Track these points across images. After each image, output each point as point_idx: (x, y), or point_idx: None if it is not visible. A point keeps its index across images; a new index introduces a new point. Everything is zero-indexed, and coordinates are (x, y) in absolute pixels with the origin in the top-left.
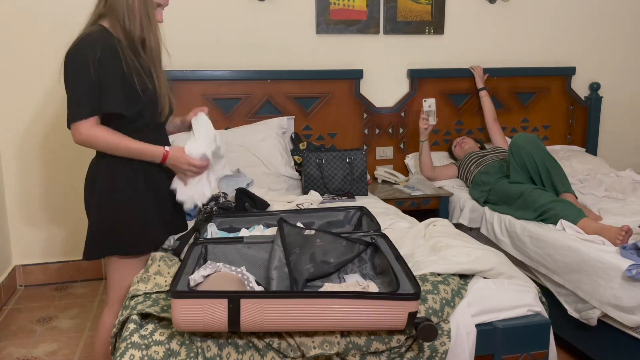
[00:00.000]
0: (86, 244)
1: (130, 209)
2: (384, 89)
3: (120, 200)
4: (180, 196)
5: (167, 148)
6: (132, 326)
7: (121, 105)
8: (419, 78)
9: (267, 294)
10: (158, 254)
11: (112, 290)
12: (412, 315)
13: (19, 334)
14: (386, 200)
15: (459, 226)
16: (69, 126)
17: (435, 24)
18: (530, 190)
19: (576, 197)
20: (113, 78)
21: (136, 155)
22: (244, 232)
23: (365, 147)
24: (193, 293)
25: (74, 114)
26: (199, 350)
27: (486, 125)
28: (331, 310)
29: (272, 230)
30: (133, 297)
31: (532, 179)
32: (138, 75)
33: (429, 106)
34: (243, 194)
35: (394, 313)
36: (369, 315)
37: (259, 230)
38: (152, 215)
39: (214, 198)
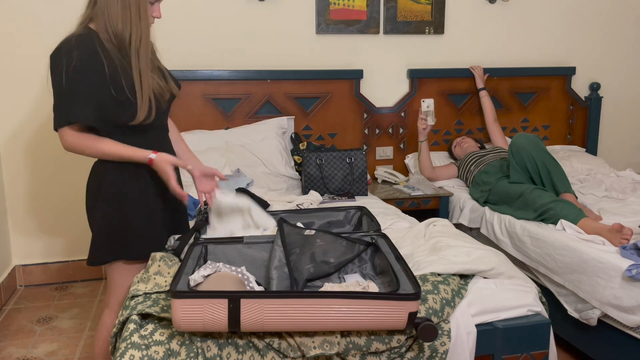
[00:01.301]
0: (91, 250)
1: (139, 213)
2: (384, 89)
3: (129, 206)
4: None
5: (151, 156)
6: (132, 326)
7: (89, 116)
8: (419, 78)
9: (267, 293)
10: (158, 254)
11: (114, 293)
12: (412, 315)
13: (19, 334)
14: (386, 200)
15: (459, 226)
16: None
17: (435, 24)
18: (530, 190)
19: (576, 197)
20: (86, 87)
21: (124, 160)
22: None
23: (365, 147)
24: (193, 293)
25: (56, 121)
26: (199, 351)
27: (486, 126)
28: (331, 310)
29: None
30: (133, 297)
31: (532, 179)
32: (126, 79)
33: (427, 106)
34: (243, 194)
35: (394, 313)
36: (369, 315)
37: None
38: (159, 218)
39: None
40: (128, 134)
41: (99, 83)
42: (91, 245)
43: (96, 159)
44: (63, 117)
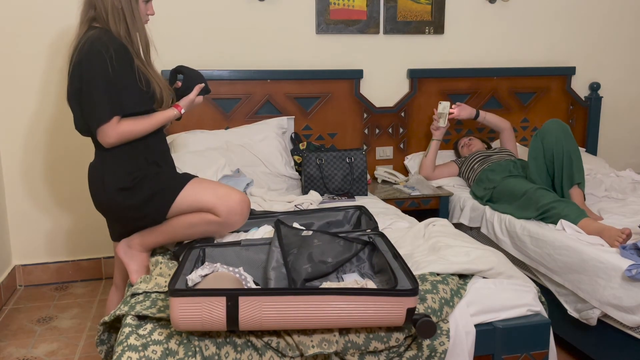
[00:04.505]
0: (111, 228)
1: (146, 184)
2: (384, 89)
3: (134, 183)
4: None
5: (182, 111)
6: (127, 330)
7: (138, 104)
8: (419, 78)
9: (265, 291)
10: (160, 258)
11: (120, 270)
12: (410, 312)
13: (19, 334)
14: (386, 200)
15: (459, 226)
16: (94, 130)
17: (435, 24)
18: (534, 189)
19: (584, 196)
20: (128, 77)
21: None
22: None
23: (365, 147)
24: (191, 291)
25: (98, 119)
26: (197, 350)
27: (501, 132)
28: (329, 307)
29: (269, 232)
30: (133, 294)
31: (547, 167)
32: (144, 73)
33: (443, 108)
34: (175, 72)
35: (393, 309)
36: (368, 312)
37: (259, 233)
38: (162, 183)
39: None
40: None
41: (133, 75)
42: (108, 225)
43: (92, 160)
44: (115, 108)
